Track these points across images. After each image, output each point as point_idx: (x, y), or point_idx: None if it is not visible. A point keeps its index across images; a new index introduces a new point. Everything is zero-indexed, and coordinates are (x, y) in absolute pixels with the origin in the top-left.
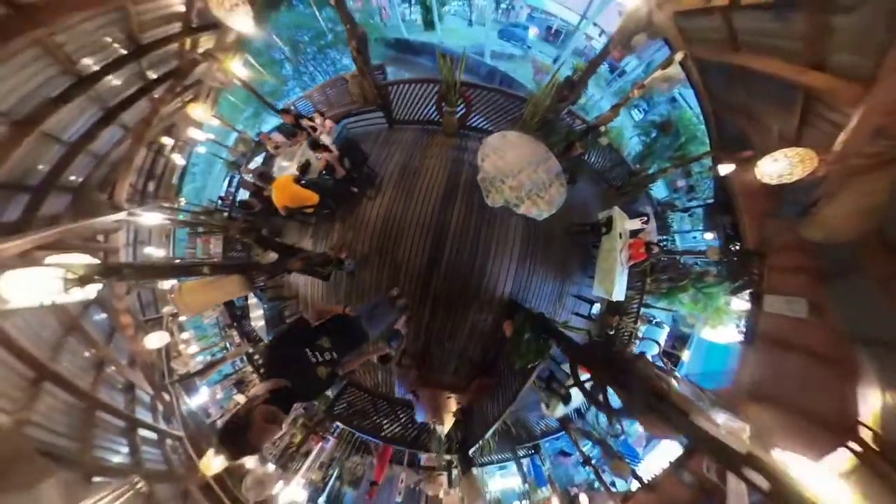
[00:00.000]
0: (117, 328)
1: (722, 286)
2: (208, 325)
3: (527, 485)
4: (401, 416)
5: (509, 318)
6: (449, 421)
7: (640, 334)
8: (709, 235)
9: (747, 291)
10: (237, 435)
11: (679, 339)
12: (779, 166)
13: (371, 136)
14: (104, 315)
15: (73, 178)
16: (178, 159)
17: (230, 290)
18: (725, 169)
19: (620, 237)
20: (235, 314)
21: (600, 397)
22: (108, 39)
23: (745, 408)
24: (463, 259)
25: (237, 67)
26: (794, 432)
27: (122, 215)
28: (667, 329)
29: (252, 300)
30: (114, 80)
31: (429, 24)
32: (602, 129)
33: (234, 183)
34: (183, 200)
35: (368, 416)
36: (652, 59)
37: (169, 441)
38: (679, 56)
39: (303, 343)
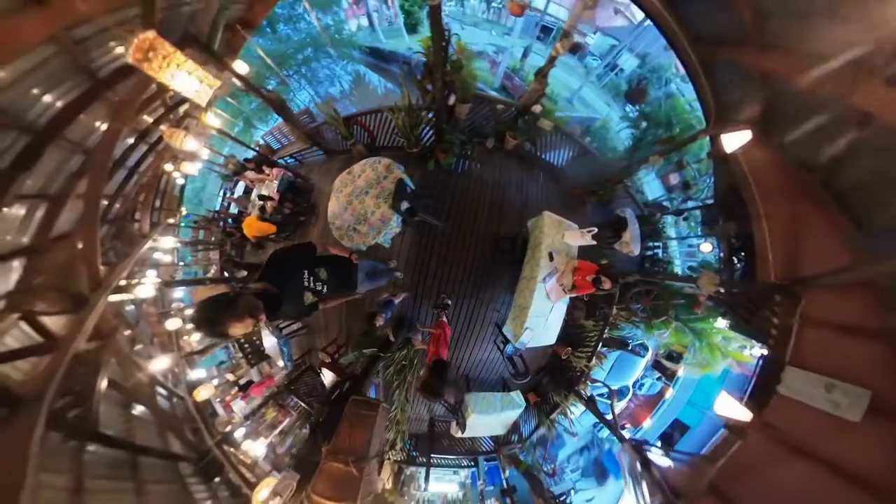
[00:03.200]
0: (143, 317)
1: (715, 319)
2: None
3: (462, 493)
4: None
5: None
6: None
7: (594, 372)
8: (706, 247)
9: (756, 345)
10: (217, 311)
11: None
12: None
13: (317, 165)
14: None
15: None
16: (179, 178)
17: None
18: (731, 142)
19: (550, 258)
20: None
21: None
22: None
23: None
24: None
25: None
26: None
27: (149, 244)
28: (647, 356)
29: None
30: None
31: (411, 29)
32: (536, 109)
33: (227, 195)
34: (184, 210)
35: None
36: (647, 52)
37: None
38: None
39: (304, 264)
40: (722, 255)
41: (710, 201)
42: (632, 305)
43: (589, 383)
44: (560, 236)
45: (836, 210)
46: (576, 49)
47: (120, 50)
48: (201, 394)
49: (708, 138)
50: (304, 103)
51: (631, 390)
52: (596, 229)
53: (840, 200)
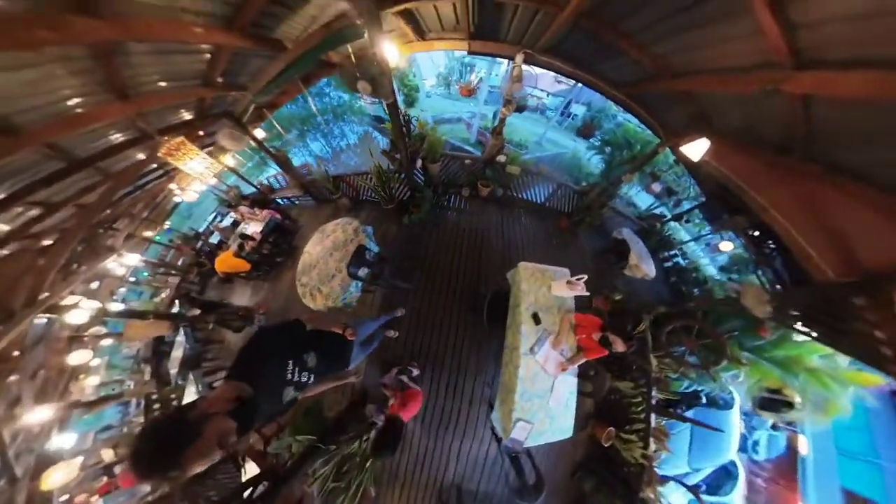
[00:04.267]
0: (47, 338)
1: (791, 338)
2: (125, 356)
3: None
4: None
5: None
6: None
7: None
8: (726, 246)
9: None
10: (171, 444)
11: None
12: None
13: (308, 209)
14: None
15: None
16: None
17: (162, 329)
18: (694, 151)
19: (536, 320)
20: (158, 349)
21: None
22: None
23: None
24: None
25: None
26: None
27: (113, 258)
28: (736, 405)
29: (180, 337)
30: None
31: (409, 104)
32: (501, 159)
33: (215, 221)
34: (168, 223)
35: None
36: (590, 100)
37: None
38: (519, 58)
39: (290, 351)
40: (748, 249)
41: (702, 199)
42: (673, 350)
43: (659, 480)
44: (545, 289)
45: (844, 179)
46: (522, 109)
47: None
48: (51, 479)
49: (668, 149)
50: (317, 150)
51: (741, 464)
52: (586, 276)
53: (835, 168)
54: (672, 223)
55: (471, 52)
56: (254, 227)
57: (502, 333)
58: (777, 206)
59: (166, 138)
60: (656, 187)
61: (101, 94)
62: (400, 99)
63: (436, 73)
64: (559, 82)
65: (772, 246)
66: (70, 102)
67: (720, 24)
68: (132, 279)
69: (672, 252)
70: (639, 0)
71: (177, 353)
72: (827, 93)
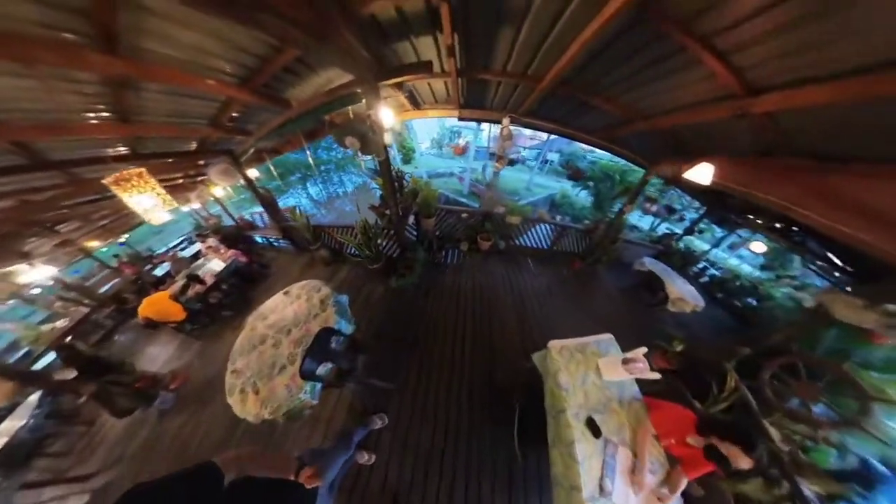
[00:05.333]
0: None
1: None
2: None
3: None
4: None
5: None
6: None
7: None
8: (758, 247)
9: None
10: None
11: None
12: None
13: (285, 255)
14: None
15: None
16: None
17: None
18: (701, 176)
19: (594, 430)
20: None
21: None
22: None
23: None
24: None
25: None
26: None
27: (21, 266)
28: None
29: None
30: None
31: (406, 161)
32: (499, 210)
33: (175, 248)
34: (124, 237)
35: None
36: (560, 148)
37: None
38: (506, 121)
39: None
40: (777, 242)
41: (703, 208)
42: (790, 407)
43: None
44: (593, 375)
45: (838, 164)
46: (512, 163)
47: None
48: None
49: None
50: (314, 194)
51: None
52: (646, 348)
53: (825, 157)
54: (686, 237)
55: (461, 119)
56: (212, 267)
57: (542, 452)
58: (796, 202)
59: (120, 166)
60: (654, 208)
61: (103, 113)
62: (398, 158)
63: (430, 138)
64: (532, 138)
65: (798, 233)
66: (63, 115)
67: (678, 73)
68: (34, 291)
69: (701, 265)
70: (607, 65)
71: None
72: (789, 106)
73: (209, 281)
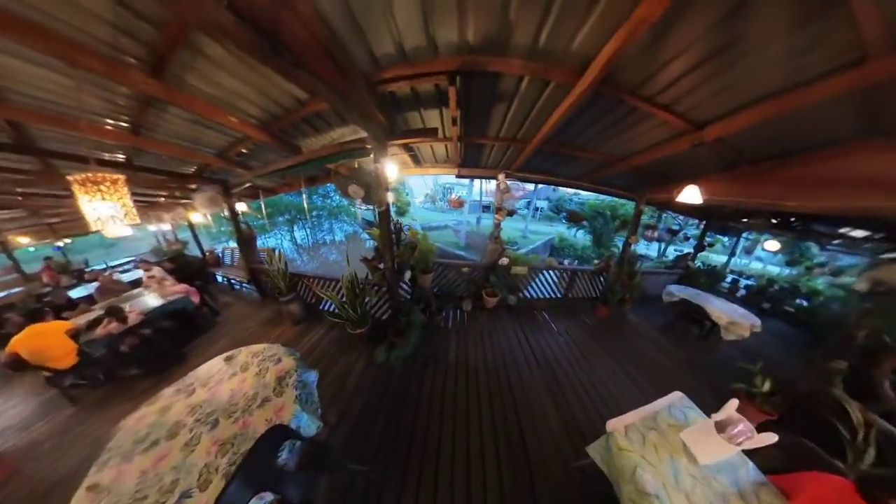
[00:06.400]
0: None
1: None
2: None
3: None
4: None
5: None
6: None
7: None
8: (772, 245)
9: None
10: None
11: None
12: None
13: (246, 303)
14: None
15: None
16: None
17: None
18: (691, 196)
19: None
20: None
21: None
22: None
23: None
24: None
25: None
26: None
27: None
28: None
29: None
30: None
31: (402, 214)
32: (503, 262)
33: (122, 265)
34: (66, 241)
35: None
36: (548, 196)
37: None
38: (501, 177)
39: None
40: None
41: (703, 222)
42: None
43: None
44: (685, 462)
45: (799, 157)
46: (511, 213)
47: None
48: None
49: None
50: (299, 238)
51: None
52: (736, 400)
53: (784, 154)
54: (699, 254)
55: (459, 176)
56: (146, 302)
57: None
58: (781, 196)
59: (97, 168)
60: (655, 234)
61: (119, 121)
62: (392, 210)
63: (424, 193)
64: (518, 190)
65: (797, 222)
66: (78, 112)
67: (638, 125)
68: None
69: (729, 279)
70: (581, 127)
71: None
72: (734, 129)
73: (133, 320)
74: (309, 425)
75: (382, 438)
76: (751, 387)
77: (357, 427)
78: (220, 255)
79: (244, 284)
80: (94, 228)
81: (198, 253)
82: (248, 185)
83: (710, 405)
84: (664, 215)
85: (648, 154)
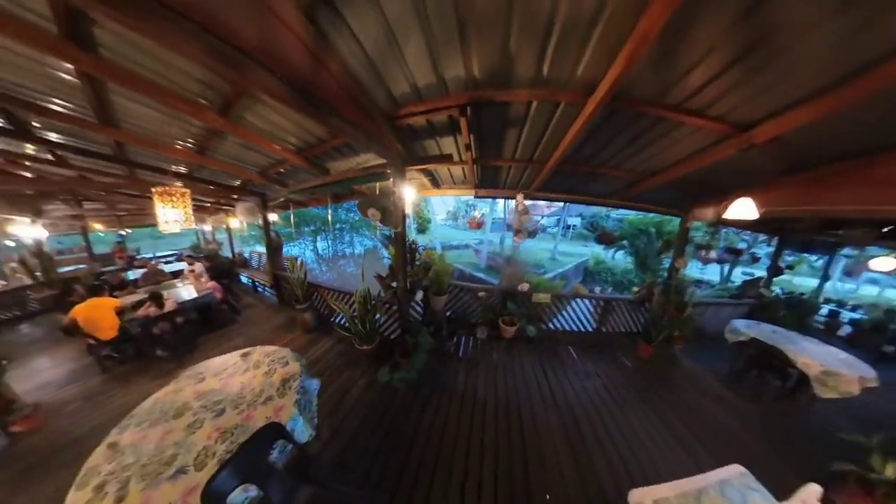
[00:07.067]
0: None
1: None
2: None
3: None
4: None
5: None
6: None
7: None
8: (884, 263)
9: None
10: None
11: None
12: None
13: (265, 305)
14: None
15: None
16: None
17: None
18: (746, 210)
19: None
20: None
21: None
22: None
23: None
24: None
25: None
26: None
27: (23, 218)
28: None
29: None
30: None
31: (422, 231)
32: (523, 287)
33: (174, 258)
34: (127, 231)
35: None
36: (581, 212)
37: None
38: (520, 197)
39: None
40: None
41: (775, 238)
42: None
43: None
44: None
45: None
46: (533, 234)
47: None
48: None
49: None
50: (321, 248)
51: None
52: (818, 486)
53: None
54: (775, 278)
55: (477, 196)
56: (181, 294)
57: None
58: (887, 199)
59: (177, 183)
60: (712, 255)
61: (189, 144)
62: (413, 227)
63: (446, 210)
64: (549, 206)
65: None
66: (161, 137)
67: (667, 136)
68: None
69: (824, 311)
70: (599, 145)
71: None
72: (789, 128)
73: (168, 307)
74: (303, 430)
75: (374, 462)
76: (866, 470)
77: (350, 446)
78: (248, 257)
79: (266, 288)
80: (161, 228)
81: (229, 254)
82: (282, 199)
83: (790, 488)
84: (724, 231)
85: (687, 164)
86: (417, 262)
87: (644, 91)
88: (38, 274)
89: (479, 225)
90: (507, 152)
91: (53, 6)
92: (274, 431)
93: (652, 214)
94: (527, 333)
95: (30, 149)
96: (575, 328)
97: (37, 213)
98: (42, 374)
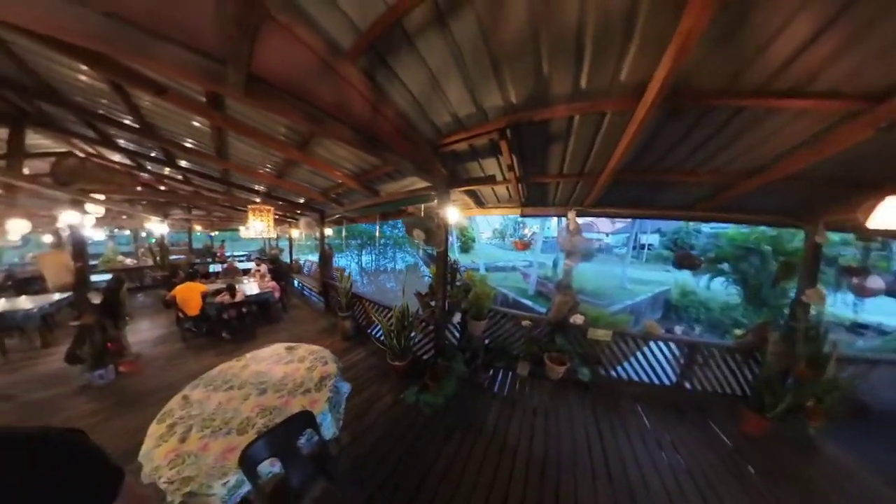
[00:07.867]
0: None
1: None
2: None
3: None
4: None
5: None
6: None
7: None
8: None
9: None
10: None
11: None
12: None
13: (312, 309)
14: None
15: None
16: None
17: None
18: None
19: None
20: None
21: None
22: None
23: None
24: None
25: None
26: None
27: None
28: None
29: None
30: None
31: (463, 250)
32: (577, 320)
33: (245, 258)
34: (216, 233)
35: None
36: (658, 227)
37: None
38: (571, 214)
39: None
40: None
41: None
42: None
43: None
44: None
45: None
46: (589, 257)
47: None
48: None
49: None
50: (365, 261)
51: None
52: None
53: None
54: None
55: (523, 216)
56: (250, 289)
57: None
58: None
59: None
60: (871, 283)
61: (269, 169)
62: (456, 246)
63: (492, 228)
64: (615, 221)
65: None
66: (253, 164)
67: (756, 127)
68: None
69: None
70: (663, 149)
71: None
72: None
73: (238, 298)
74: (329, 427)
75: (386, 481)
76: None
77: (367, 455)
78: (303, 265)
79: (314, 293)
80: (244, 234)
81: (288, 259)
82: (337, 216)
83: None
84: (877, 250)
85: (798, 158)
86: (458, 283)
87: (709, 81)
88: (157, 259)
89: (525, 246)
90: (552, 168)
91: (207, 93)
92: (307, 419)
93: (762, 227)
94: (579, 377)
95: (167, 171)
96: (646, 379)
97: (165, 216)
98: (143, 333)
